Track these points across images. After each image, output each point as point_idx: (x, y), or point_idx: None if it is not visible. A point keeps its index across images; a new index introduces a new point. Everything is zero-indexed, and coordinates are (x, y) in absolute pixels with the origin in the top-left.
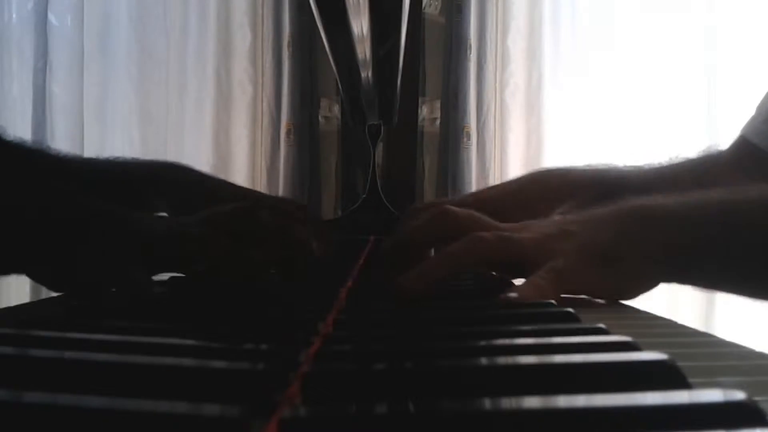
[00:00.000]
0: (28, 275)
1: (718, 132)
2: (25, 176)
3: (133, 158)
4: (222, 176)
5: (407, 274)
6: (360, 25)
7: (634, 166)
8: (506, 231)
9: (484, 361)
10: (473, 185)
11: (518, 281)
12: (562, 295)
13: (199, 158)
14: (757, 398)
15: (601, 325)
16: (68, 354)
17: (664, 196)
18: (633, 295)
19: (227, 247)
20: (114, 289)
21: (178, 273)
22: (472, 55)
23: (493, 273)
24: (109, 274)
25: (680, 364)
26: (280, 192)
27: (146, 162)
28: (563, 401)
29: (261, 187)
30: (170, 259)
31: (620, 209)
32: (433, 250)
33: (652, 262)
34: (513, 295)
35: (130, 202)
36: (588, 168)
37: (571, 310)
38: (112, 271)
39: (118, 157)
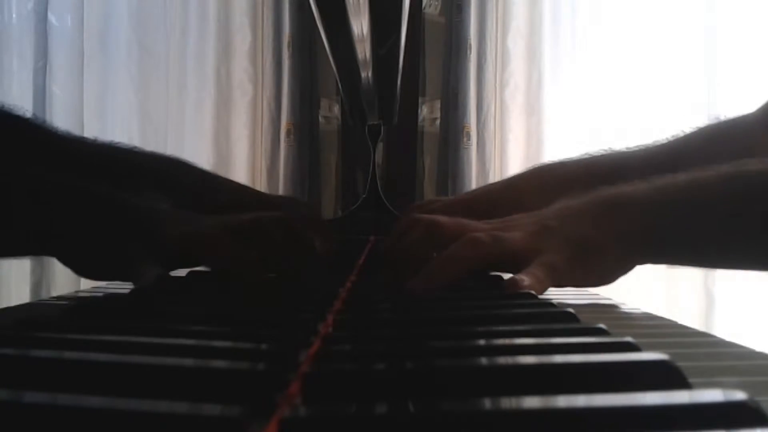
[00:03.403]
0: (58, 258)
1: None
2: (17, 157)
3: (135, 147)
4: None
5: (414, 281)
6: (360, 25)
7: (635, 147)
8: (495, 230)
9: (484, 361)
10: (473, 185)
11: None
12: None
13: (199, 158)
14: (757, 398)
15: (602, 326)
16: (68, 354)
17: (634, 184)
18: (614, 278)
19: (237, 253)
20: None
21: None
22: (472, 55)
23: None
24: (123, 268)
25: (680, 364)
26: (280, 192)
27: (149, 154)
28: (563, 401)
29: (261, 187)
30: (181, 257)
31: (594, 200)
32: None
33: (628, 246)
34: (513, 281)
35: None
36: (582, 158)
37: (571, 310)
38: (126, 265)
39: (120, 144)
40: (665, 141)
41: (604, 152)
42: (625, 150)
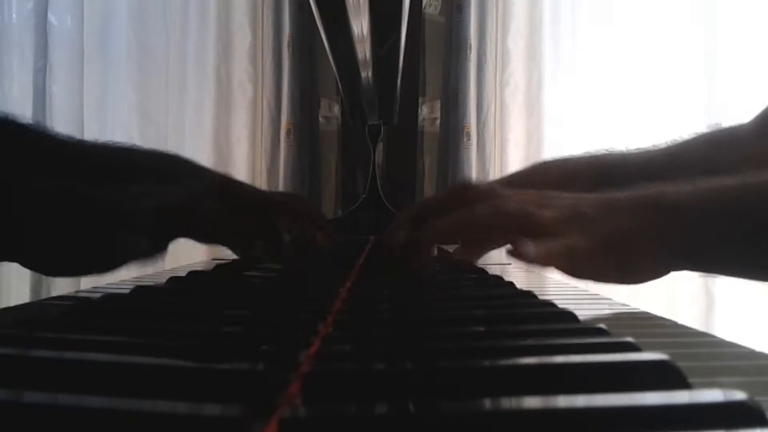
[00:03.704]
0: (21, 263)
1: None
2: (19, 163)
3: (132, 145)
4: None
5: (426, 226)
6: (360, 25)
7: (634, 149)
8: (527, 203)
9: (484, 361)
10: None
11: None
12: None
13: (200, 158)
14: (757, 398)
15: (602, 326)
16: (68, 354)
17: (676, 184)
18: (644, 280)
19: (216, 215)
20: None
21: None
22: (472, 55)
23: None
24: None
25: (680, 364)
26: None
27: (147, 152)
28: (563, 401)
29: (261, 187)
30: (163, 228)
31: (635, 197)
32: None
33: (665, 248)
34: (522, 249)
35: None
36: (584, 156)
37: (571, 310)
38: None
39: (117, 143)
40: (665, 145)
41: (605, 152)
42: (625, 151)
